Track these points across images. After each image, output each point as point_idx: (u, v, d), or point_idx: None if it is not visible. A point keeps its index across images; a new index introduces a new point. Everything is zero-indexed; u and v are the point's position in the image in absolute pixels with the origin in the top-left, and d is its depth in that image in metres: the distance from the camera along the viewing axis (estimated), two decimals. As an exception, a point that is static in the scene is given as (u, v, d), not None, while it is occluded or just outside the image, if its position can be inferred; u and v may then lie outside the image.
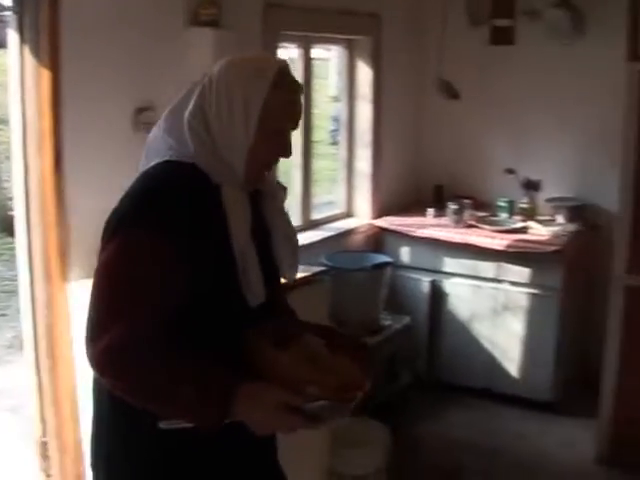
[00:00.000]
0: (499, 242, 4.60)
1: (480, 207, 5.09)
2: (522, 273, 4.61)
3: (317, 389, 1.79)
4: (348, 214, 5.11)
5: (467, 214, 4.89)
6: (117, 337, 1.70)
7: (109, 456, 1.94)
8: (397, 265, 4.85)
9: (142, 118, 3.26)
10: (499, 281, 4.70)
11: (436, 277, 4.84)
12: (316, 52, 4.76)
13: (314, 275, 3.39)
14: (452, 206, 4.89)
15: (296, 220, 4.42)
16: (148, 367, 1.72)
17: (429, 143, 5.47)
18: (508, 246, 4.57)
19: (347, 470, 3.63)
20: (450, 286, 4.82)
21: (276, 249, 2.03)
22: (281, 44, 4.15)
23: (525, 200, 5.03)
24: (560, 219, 4.90)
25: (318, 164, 5.06)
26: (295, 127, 1.95)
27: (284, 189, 2.09)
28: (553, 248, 4.50)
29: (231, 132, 1.86)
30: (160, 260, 1.76)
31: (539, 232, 4.74)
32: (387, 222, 4.96)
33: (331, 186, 5.11)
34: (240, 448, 1.92)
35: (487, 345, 4.72)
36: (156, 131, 1.95)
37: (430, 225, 4.89)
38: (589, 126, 4.92)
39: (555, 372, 4.60)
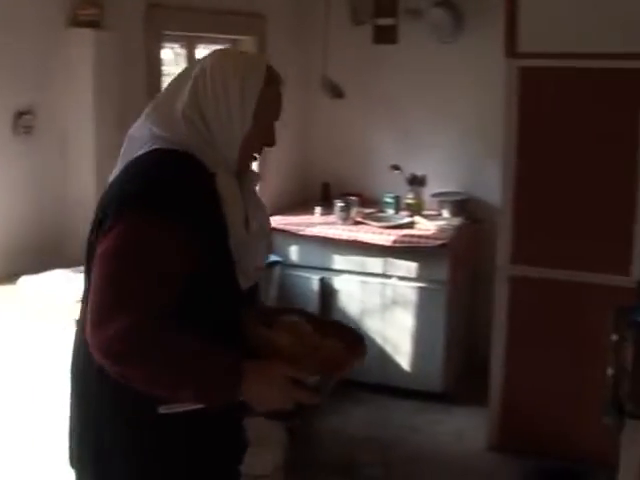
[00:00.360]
0: (386, 238, 4.65)
1: (367, 204, 5.14)
2: (409, 268, 4.67)
3: (317, 365, 1.87)
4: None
5: (354, 211, 4.92)
6: (126, 323, 1.69)
7: (104, 448, 1.91)
8: (286, 264, 4.85)
9: (22, 122, 3.19)
10: (388, 276, 4.75)
11: (325, 274, 4.85)
12: (203, 53, 4.72)
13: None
14: (339, 204, 4.91)
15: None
16: (158, 351, 1.72)
17: (316, 142, 5.49)
18: (395, 241, 4.62)
19: (246, 470, 3.59)
20: (339, 283, 4.85)
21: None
22: (164, 44, 4.09)
23: (411, 196, 5.11)
24: (445, 213, 5.00)
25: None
26: (278, 119, 2.06)
27: (258, 175, 2.17)
28: (439, 242, 4.58)
29: (228, 123, 1.91)
30: (167, 245, 1.78)
31: (425, 227, 4.81)
32: (275, 221, 4.93)
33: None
34: (228, 431, 2.01)
35: (379, 340, 4.76)
36: (140, 123, 1.95)
37: (318, 223, 4.91)
38: (471, 122, 5.04)
39: (445, 364, 4.69)
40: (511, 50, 3.95)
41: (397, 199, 5.10)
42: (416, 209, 5.07)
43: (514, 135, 3.99)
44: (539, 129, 3.98)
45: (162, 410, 1.79)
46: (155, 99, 2.01)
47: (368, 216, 4.95)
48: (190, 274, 1.81)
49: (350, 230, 4.78)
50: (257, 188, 2.14)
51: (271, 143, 2.05)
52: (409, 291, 4.70)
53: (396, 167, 5.17)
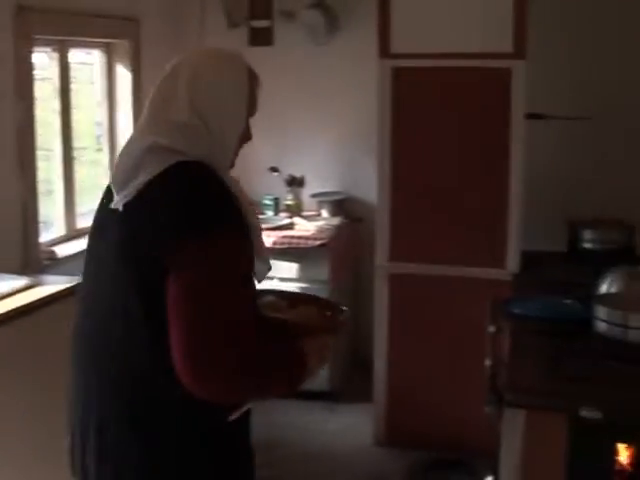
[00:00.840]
0: (267, 239, 4.63)
1: (248, 206, 5.10)
2: (291, 269, 4.67)
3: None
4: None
5: (236, 214, 4.87)
6: (240, 354, 1.67)
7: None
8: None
9: None
10: (269, 278, 4.71)
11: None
12: (80, 56, 4.61)
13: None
14: (220, 207, 4.85)
15: (59, 230, 4.26)
16: (265, 367, 1.75)
17: (194, 145, 5.41)
18: (275, 243, 4.61)
19: None
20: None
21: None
22: (35, 48, 3.95)
23: (290, 197, 5.11)
24: (324, 213, 5.03)
25: (86, 171, 4.91)
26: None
27: None
28: (318, 242, 4.59)
29: (228, 125, 1.87)
30: (244, 257, 1.77)
31: (305, 227, 4.82)
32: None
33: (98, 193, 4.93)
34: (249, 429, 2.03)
35: (263, 341, 4.72)
36: (139, 137, 1.84)
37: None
38: (348, 122, 5.08)
39: (330, 362, 4.68)
40: (384, 51, 4.01)
41: (276, 201, 5.09)
42: (295, 210, 5.07)
43: (388, 134, 4.05)
44: (412, 128, 4.05)
45: (233, 417, 1.82)
46: (147, 112, 1.88)
47: (249, 218, 4.91)
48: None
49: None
50: None
51: (250, 138, 2.00)
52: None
53: (274, 169, 5.17)
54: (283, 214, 5.06)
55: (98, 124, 4.83)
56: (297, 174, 5.11)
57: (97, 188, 4.83)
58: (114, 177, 1.84)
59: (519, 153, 3.91)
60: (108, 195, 1.88)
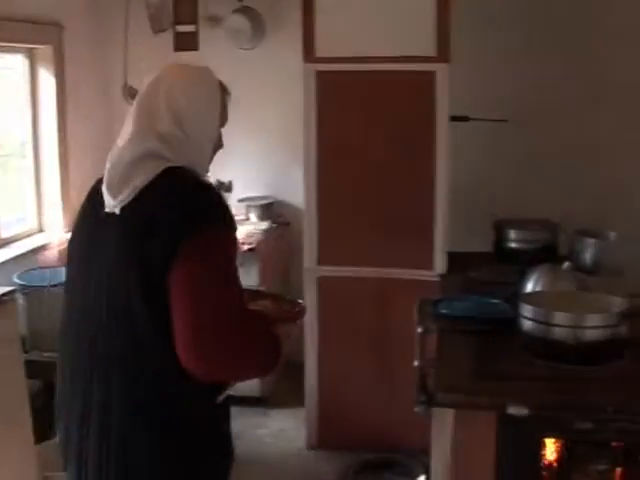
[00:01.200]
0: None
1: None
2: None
3: None
4: (39, 229, 4.86)
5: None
6: (238, 336, 1.86)
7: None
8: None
9: None
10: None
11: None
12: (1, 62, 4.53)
13: (3, 295, 3.20)
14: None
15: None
16: (252, 347, 1.92)
17: (120, 151, 5.34)
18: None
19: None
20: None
21: None
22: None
23: (219, 202, 5.07)
24: (253, 218, 5.00)
25: (10, 179, 4.81)
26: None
27: None
28: (247, 247, 4.56)
29: (205, 136, 2.05)
30: (236, 251, 1.95)
31: (234, 232, 4.77)
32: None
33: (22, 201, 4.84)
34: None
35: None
36: (131, 147, 1.96)
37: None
38: (275, 126, 5.09)
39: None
40: (309, 55, 4.01)
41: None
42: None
43: (314, 138, 4.05)
44: (338, 132, 4.05)
45: (220, 399, 1.99)
46: (133, 125, 1.99)
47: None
48: None
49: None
50: None
51: (222, 146, 2.16)
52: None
53: (203, 174, 5.12)
54: (211, 219, 5.01)
55: (21, 130, 4.73)
56: (225, 179, 5.06)
57: (22, 195, 4.75)
58: (109, 183, 1.96)
59: (444, 155, 3.95)
60: (93, 201, 2.03)
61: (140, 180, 1.90)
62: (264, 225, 4.91)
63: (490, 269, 3.78)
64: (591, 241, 3.72)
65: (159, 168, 1.91)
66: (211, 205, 1.91)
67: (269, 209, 5.05)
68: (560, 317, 2.52)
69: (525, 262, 3.32)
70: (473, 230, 4.27)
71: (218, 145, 2.14)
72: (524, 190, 4.71)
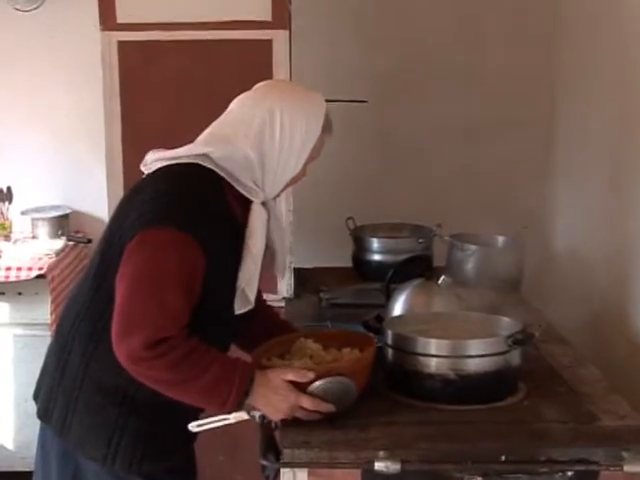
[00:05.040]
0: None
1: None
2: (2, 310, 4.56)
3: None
4: None
5: None
6: (153, 333, 2.26)
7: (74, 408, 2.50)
8: None
9: None
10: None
11: None
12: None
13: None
14: None
15: None
16: (181, 355, 2.29)
17: None
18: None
19: None
20: None
21: (277, 257, 2.69)
22: None
23: (-6, 216, 4.93)
24: (41, 235, 4.88)
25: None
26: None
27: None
28: (35, 274, 4.45)
29: (282, 170, 2.49)
30: (197, 263, 2.34)
31: (15, 255, 4.67)
32: None
33: None
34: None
35: None
36: (190, 147, 2.50)
37: None
38: (65, 113, 5.02)
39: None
40: (107, 21, 3.95)
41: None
42: (1, 232, 4.89)
43: (118, 129, 3.99)
44: (149, 119, 3.99)
45: (194, 428, 2.44)
46: (212, 129, 2.55)
47: None
48: (201, 295, 2.37)
49: None
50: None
51: (303, 176, 2.60)
52: (6, 341, 4.59)
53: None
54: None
55: None
56: (1, 185, 4.93)
57: None
58: (150, 157, 2.59)
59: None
60: None
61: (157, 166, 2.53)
62: (57, 244, 4.80)
63: (350, 289, 3.83)
64: (473, 248, 3.80)
65: (188, 160, 2.46)
66: (172, 205, 2.37)
67: (63, 223, 4.94)
68: (435, 345, 2.56)
69: (391, 278, 3.36)
70: (330, 240, 4.31)
71: (298, 177, 2.57)
72: (388, 188, 4.79)
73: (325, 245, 4.25)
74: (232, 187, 2.46)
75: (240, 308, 2.53)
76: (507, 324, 2.72)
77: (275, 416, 2.39)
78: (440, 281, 3.09)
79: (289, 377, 2.36)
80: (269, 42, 3.92)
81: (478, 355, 2.56)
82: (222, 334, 2.58)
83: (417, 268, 3.59)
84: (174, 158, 2.50)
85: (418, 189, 4.80)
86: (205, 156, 2.44)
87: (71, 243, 4.90)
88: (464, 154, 4.85)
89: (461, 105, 4.87)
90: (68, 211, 5.00)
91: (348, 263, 4.16)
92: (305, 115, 2.49)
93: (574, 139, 4.45)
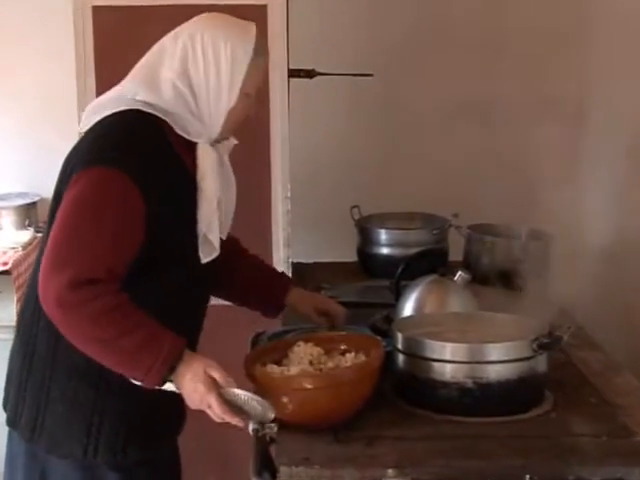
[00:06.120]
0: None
1: None
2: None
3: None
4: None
5: None
6: (79, 272, 2.35)
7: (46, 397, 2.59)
8: None
9: None
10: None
11: None
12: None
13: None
14: None
15: None
16: (106, 306, 2.36)
17: None
18: None
19: None
20: None
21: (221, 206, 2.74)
22: None
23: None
24: (6, 225, 4.89)
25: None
26: (261, 90, 2.81)
27: (231, 144, 2.81)
28: (-1, 268, 4.46)
29: (216, 96, 2.60)
30: (133, 206, 2.46)
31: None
32: None
33: None
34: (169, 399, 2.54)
35: None
36: (119, 88, 2.66)
37: None
38: (33, 89, 5.02)
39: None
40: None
41: None
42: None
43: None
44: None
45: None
46: (139, 64, 2.68)
47: None
48: (150, 242, 2.49)
49: None
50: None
51: (252, 113, 2.74)
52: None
53: None
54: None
55: None
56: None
57: None
58: (85, 114, 2.71)
59: (283, 126, 3.97)
60: None
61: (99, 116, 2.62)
62: (23, 236, 4.81)
63: (355, 287, 3.83)
64: (493, 240, 3.81)
65: (125, 107, 2.58)
66: (120, 148, 2.50)
67: (30, 212, 4.94)
68: (451, 349, 2.57)
69: (401, 274, 3.36)
70: (332, 231, 4.32)
71: (245, 111, 2.69)
72: (398, 173, 4.79)
73: (327, 237, 4.25)
74: (176, 133, 2.60)
75: (206, 256, 2.68)
76: (532, 326, 2.71)
77: (188, 402, 2.47)
78: (456, 277, 3.09)
79: (213, 374, 2.42)
80: (264, 8, 3.93)
81: (499, 361, 2.56)
82: (195, 285, 2.70)
83: (430, 263, 3.60)
84: (105, 106, 2.63)
85: (432, 174, 4.79)
86: (137, 101, 2.58)
87: (40, 235, 4.89)
88: (484, 135, 4.83)
89: (480, 80, 4.85)
90: (36, 199, 4.99)
91: (353, 257, 4.17)
92: (227, 37, 2.60)
93: (607, 120, 4.44)
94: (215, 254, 2.70)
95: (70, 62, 4.03)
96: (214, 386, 2.41)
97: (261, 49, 2.68)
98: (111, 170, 2.45)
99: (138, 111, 2.57)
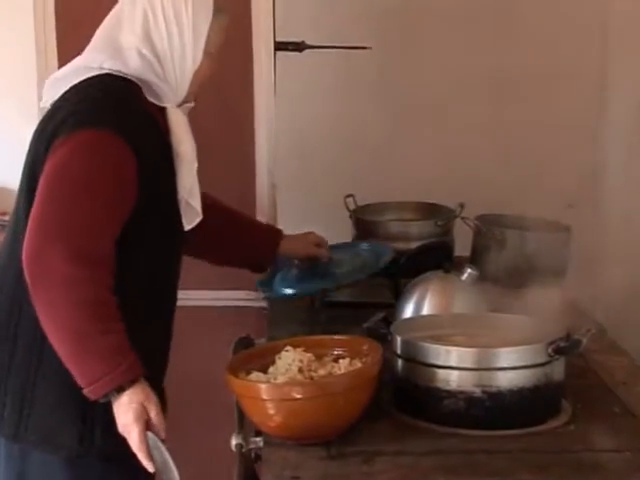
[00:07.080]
0: None
1: None
2: None
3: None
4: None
5: None
6: (85, 243, 2.49)
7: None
8: None
9: None
10: None
11: None
12: None
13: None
14: None
15: None
16: (98, 297, 2.50)
17: None
18: None
19: None
20: None
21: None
22: None
23: None
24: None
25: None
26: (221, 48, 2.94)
27: (191, 105, 2.98)
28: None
29: (181, 58, 2.79)
30: (128, 166, 2.61)
31: None
32: None
33: None
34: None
35: None
36: (83, 57, 2.82)
37: None
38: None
39: None
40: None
41: None
42: None
43: (54, 69, 3.96)
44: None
45: None
46: (99, 33, 2.85)
47: None
48: (136, 210, 2.64)
49: None
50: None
51: (216, 73, 2.94)
52: None
53: None
54: None
55: None
56: None
57: None
58: (46, 88, 2.86)
59: (269, 106, 3.98)
60: None
61: (67, 84, 2.77)
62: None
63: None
64: (504, 233, 3.81)
65: (89, 75, 2.74)
66: (105, 110, 2.67)
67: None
68: (457, 355, 2.57)
69: (401, 270, 3.36)
70: (325, 223, 4.32)
71: (209, 71, 2.88)
72: (398, 157, 4.79)
73: (318, 229, 4.24)
74: (146, 99, 2.79)
75: (189, 222, 2.88)
76: (547, 328, 2.71)
77: (116, 418, 2.54)
78: (463, 275, 3.09)
79: (150, 410, 2.55)
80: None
81: (511, 367, 2.56)
82: (176, 254, 2.93)
83: (434, 258, 3.60)
84: (71, 77, 2.80)
85: (435, 158, 4.79)
86: (105, 69, 2.75)
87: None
88: (493, 115, 4.83)
89: (490, 53, 4.84)
90: (-6, 187, 5.00)
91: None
92: None
93: (630, 95, 4.44)
94: (198, 219, 2.88)
95: (29, 24, 4.05)
96: (143, 420, 2.52)
97: (222, 5, 2.87)
98: (102, 132, 2.59)
99: (110, 75, 2.73)
